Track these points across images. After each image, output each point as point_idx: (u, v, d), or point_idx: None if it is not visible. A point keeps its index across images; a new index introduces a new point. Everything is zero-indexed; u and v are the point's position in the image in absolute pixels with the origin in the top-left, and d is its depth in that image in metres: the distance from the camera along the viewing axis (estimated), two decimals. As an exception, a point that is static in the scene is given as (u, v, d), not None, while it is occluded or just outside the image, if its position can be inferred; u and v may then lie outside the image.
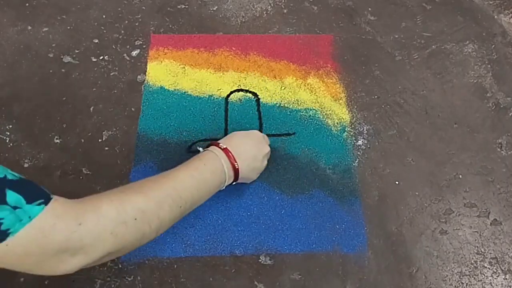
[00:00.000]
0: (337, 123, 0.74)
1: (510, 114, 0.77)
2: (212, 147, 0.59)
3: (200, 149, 0.61)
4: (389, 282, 0.60)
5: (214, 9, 0.88)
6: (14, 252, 0.37)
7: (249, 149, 0.61)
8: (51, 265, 0.40)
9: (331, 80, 0.79)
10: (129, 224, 0.44)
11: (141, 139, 0.71)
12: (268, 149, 0.64)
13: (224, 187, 0.59)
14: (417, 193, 0.68)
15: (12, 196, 0.36)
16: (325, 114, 0.75)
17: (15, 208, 0.36)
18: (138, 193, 0.47)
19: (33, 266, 0.40)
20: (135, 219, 0.44)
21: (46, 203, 0.39)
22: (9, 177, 0.37)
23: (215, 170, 0.56)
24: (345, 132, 0.73)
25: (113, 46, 0.81)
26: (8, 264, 0.38)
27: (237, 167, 0.58)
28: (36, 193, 0.39)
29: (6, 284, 0.58)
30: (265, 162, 0.64)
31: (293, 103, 0.76)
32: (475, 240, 0.64)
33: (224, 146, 0.58)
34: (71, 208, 0.41)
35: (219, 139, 0.71)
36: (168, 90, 0.76)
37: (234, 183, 0.61)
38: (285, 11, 0.89)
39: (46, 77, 0.77)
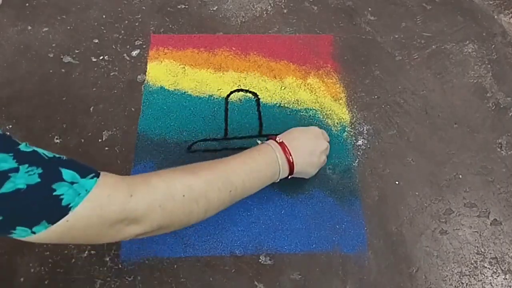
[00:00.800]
0: (337, 123, 0.74)
1: (510, 114, 0.77)
2: (269, 140, 0.60)
3: (259, 141, 0.62)
4: (389, 282, 0.60)
5: (214, 9, 0.88)
6: (76, 226, 0.38)
7: (306, 144, 0.61)
8: (110, 234, 0.42)
9: (331, 80, 0.79)
10: (177, 199, 0.45)
11: (141, 139, 0.71)
12: (326, 145, 0.63)
13: (278, 180, 0.59)
14: (417, 193, 0.68)
15: (67, 173, 0.38)
16: (325, 114, 0.75)
17: (72, 183, 0.38)
18: (188, 172, 0.48)
19: (94, 237, 0.42)
20: (183, 195, 0.46)
21: (97, 176, 0.41)
22: (58, 156, 0.39)
23: (269, 162, 0.57)
24: (345, 132, 0.73)
25: (113, 46, 0.81)
26: (72, 238, 0.40)
27: (291, 161, 0.58)
28: (87, 168, 0.41)
29: (6, 284, 0.58)
30: (323, 158, 0.64)
31: (293, 103, 0.76)
32: (475, 240, 0.64)
33: (281, 140, 0.59)
34: (122, 181, 0.43)
35: (219, 139, 0.71)
36: (168, 90, 0.76)
37: (290, 177, 0.61)
38: (285, 11, 0.89)
39: (46, 77, 0.77)
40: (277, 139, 0.60)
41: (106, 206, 0.40)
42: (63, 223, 0.37)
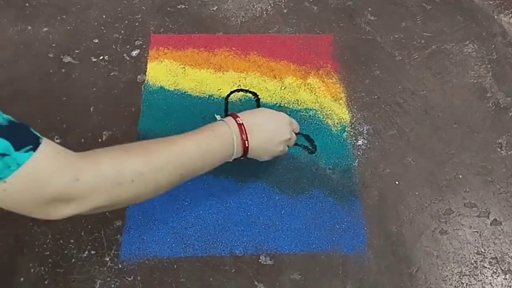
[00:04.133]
0: (337, 123, 0.74)
1: (510, 114, 0.77)
2: (228, 118, 0.57)
3: (218, 117, 0.59)
4: (389, 282, 0.60)
5: (214, 9, 0.88)
6: (11, 196, 0.38)
7: (267, 129, 0.59)
8: (44, 211, 0.41)
9: (331, 80, 0.79)
10: (124, 185, 0.44)
11: (141, 139, 0.70)
12: (289, 135, 0.61)
13: (231, 160, 0.57)
14: (417, 193, 0.68)
15: (1, 143, 0.36)
16: (325, 114, 0.75)
17: (3, 155, 0.36)
18: (140, 155, 0.46)
19: (28, 210, 0.40)
20: (132, 180, 0.44)
21: (34, 149, 0.38)
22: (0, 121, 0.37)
23: (224, 143, 0.54)
24: (345, 132, 0.73)
25: (113, 46, 0.81)
26: (7, 207, 0.39)
27: (247, 146, 0.56)
28: (25, 138, 0.38)
29: (6, 284, 0.58)
30: (282, 148, 0.61)
31: (293, 103, 0.76)
32: (475, 240, 0.64)
33: (241, 121, 0.56)
34: (66, 159, 0.41)
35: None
36: (168, 90, 0.76)
37: (242, 158, 0.59)
38: (285, 11, 0.89)
39: (46, 77, 0.77)
40: (238, 119, 0.57)
41: (42, 182, 0.38)
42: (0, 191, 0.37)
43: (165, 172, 0.48)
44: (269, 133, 0.59)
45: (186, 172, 0.50)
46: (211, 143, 0.53)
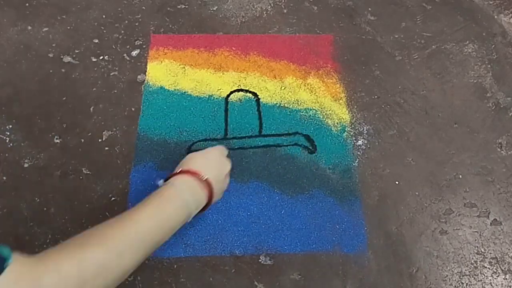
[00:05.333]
0: (337, 123, 0.74)
1: (510, 114, 0.77)
2: (175, 178, 0.54)
3: (161, 181, 0.55)
4: (389, 282, 0.60)
5: (214, 9, 0.88)
6: None
7: (212, 172, 0.56)
8: None
9: (331, 80, 0.79)
10: (90, 281, 0.42)
11: (141, 139, 0.71)
12: (229, 165, 0.60)
13: (190, 220, 0.55)
14: (417, 193, 0.68)
15: None
16: (325, 114, 0.75)
17: None
18: (99, 245, 0.44)
19: None
20: (97, 274, 0.43)
21: (1, 270, 0.37)
22: None
23: (178, 206, 0.52)
24: (345, 132, 0.73)
25: (113, 46, 0.81)
26: None
27: (214, 192, 0.55)
28: None
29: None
30: (228, 180, 0.60)
31: (293, 103, 0.76)
32: (475, 240, 0.64)
33: (205, 177, 0.54)
34: (29, 271, 0.39)
35: (219, 139, 0.71)
36: (168, 90, 0.76)
37: (200, 212, 0.57)
38: (285, 11, 0.89)
39: (46, 77, 0.77)
40: (201, 176, 0.54)
41: None
42: None
43: (127, 256, 0.46)
44: (213, 173, 0.56)
45: (149, 247, 0.48)
46: (167, 212, 0.51)
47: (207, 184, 0.55)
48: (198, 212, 0.55)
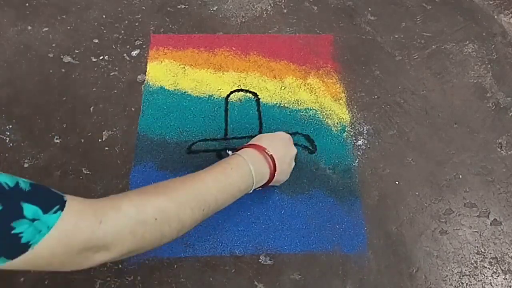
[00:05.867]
0: (337, 123, 0.74)
1: (510, 114, 0.77)
2: (242, 150, 0.58)
3: (230, 152, 0.60)
4: (389, 282, 0.60)
5: (214, 9, 0.88)
6: (41, 256, 0.37)
7: (278, 151, 0.60)
8: (76, 262, 0.41)
9: (331, 80, 0.79)
10: (148, 223, 0.44)
11: (141, 139, 0.71)
12: (295, 150, 0.63)
13: (251, 191, 0.58)
14: (417, 193, 0.68)
15: (28, 209, 0.36)
16: (325, 114, 0.75)
17: (33, 220, 0.36)
18: (160, 193, 0.46)
19: (60, 265, 0.40)
20: (155, 219, 0.44)
21: (62, 208, 0.39)
22: (22, 185, 0.37)
23: (243, 174, 0.55)
24: (345, 132, 0.73)
25: (113, 46, 0.81)
26: (37, 267, 0.39)
27: (277, 171, 0.58)
28: (51, 200, 0.39)
29: (6, 284, 0.58)
30: (293, 164, 0.63)
31: (293, 103, 0.76)
32: (475, 240, 0.64)
33: (271, 153, 0.58)
34: (90, 207, 0.41)
35: (219, 139, 0.71)
36: (168, 90, 0.76)
37: (261, 188, 0.60)
38: (285, 11, 0.89)
39: (46, 77, 0.77)
40: (267, 150, 0.58)
41: (72, 235, 0.38)
42: (24, 257, 0.36)
43: (187, 209, 0.47)
44: (280, 154, 0.60)
45: (208, 207, 0.50)
46: (229, 176, 0.54)
47: (272, 160, 0.58)
48: (260, 186, 0.59)
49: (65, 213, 0.38)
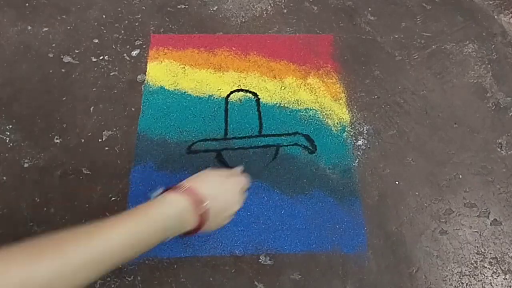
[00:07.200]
0: (337, 123, 0.74)
1: (510, 114, 0.77)
2: (171, 195, 0.48)
3: (156, 193, 0.50)
4: (389, 282, 0.60)
5: (214, 9, 0.88)
6: None
7: (218, 203, 0.51)
8: None
9: (331, 80, 0.79)
10: None
11: (141, 139, 0.71)
12: (240, 205, 0.55)
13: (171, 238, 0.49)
14: (417, 193, 0.68)
15: None
16: (325, 114, 0.75)
17: None
18: (56, 252, 0.40)
19: None
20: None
21: None
22: None
23: (161, 229, 0.46)
24: (345, 132, 0.73)
25: (113, 46, 0.81)
26: None
27: (208, 224, 0.50)
28: None
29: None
30: (230, 219, 0.54)
31: (293, 103, 0.76)
32: (475, 240, 0.64)
33: (207, 208, 0.49)
34: None
35: (219, 139, 0.71)
36: (168, 90, 0.76)
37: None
38: (285, 11, 0.89)
39: (46, 77, 0.77)
40: (204, 203, 0.49)
41: None
42: None
43: (82, 273, 0.40)
44: (224, 206, 0.52)
45: (110, 265, 0.43)
46: (142, 231, 0.45)
47: (205, 214, 0.49)
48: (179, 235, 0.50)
49: None
